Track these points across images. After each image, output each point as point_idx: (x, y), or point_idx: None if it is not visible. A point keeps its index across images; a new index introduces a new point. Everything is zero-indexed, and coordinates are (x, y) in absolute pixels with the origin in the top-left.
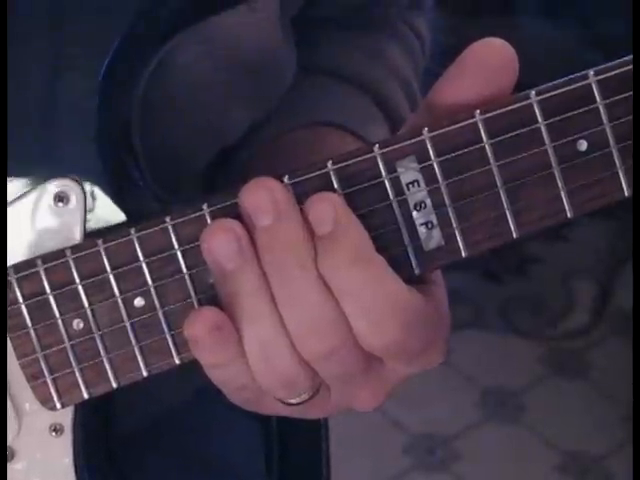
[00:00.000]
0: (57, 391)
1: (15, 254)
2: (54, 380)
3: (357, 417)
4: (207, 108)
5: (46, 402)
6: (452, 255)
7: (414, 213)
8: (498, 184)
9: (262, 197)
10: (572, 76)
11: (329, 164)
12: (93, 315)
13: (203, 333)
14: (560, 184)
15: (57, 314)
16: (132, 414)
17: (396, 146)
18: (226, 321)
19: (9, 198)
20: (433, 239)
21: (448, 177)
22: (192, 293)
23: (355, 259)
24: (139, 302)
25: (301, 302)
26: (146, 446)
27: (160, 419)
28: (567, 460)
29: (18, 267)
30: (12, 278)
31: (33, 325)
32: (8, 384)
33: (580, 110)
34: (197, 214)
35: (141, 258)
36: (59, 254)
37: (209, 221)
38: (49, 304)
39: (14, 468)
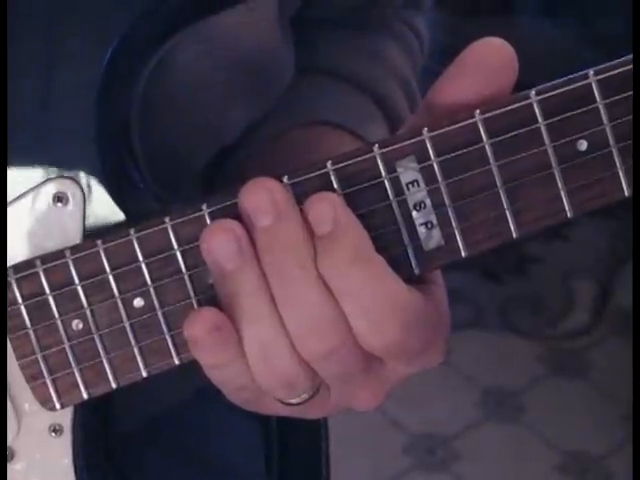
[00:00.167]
0: (56, 392)
1: (14, 254)
2: (53, 381)
3: (357, 417)
4: (206, 107)
5: (45, 403)
6: (452, 255)
7: (414, 213)
8: (498, 184)
9: (262, 197)
10: (572, 76)
11: (329, 164)
12: (92, 315)
13: (203, 333)
14: (560, 184)
15: (56, 315)
16: (131, 414)
17: (396, 146)
18: (226, 321)
19: (8, 198)
20: (433, 239)
21: (448, 177)
22: (192, 293)
23: (355, 259)
24: (138, 302)
25: (301, 302)
26: (146, 446)
27: (160, 419)
28: (567, 460)
29: (17, 267)
30: (11, 279)
31: (32, 326)
32: (8, 385)
33: (580, 110)
34: (196, 214)
35: (140, 258)
36: (58, 254)
37: (208, 221)
38: (48, 305)
39: (14, 468)
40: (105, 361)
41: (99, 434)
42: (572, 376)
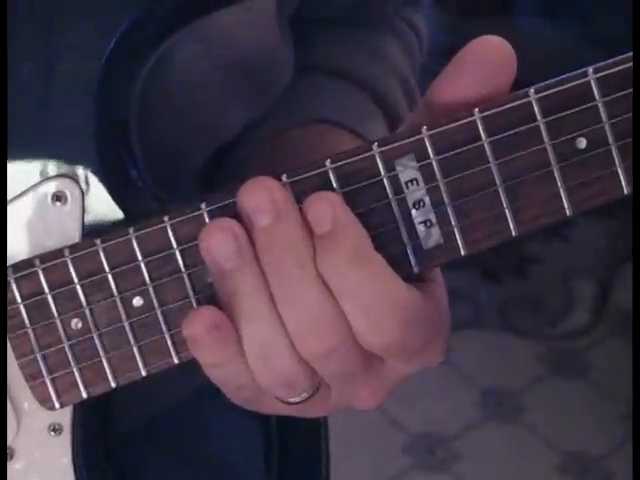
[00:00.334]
0: (56, 391)
1: (13, 254)
2: (53, 380)
3: (357, 416)
4: (204, 106)
5: (45, 402)
6: (451, 253)
7: (413, 211)
8: (497, 182)
9: (261, 197)
10: (571, 74)
11: (327, 163)
12: (92, 315)
13: (202, 332)
14: (559, 182)
15: (56, 314)
16: (131, 413)
17: (395, 144)
18: (225, 320)
19: (8, 197)
20: (432, 237)
21: (447, 175)
22: (191, 292)
23: (354, 258)
24: (138, 301)
25: (300, 301)
26: (145, 445)
27: (159, 418)
28: (567, 460)
29: (17, 267)
30: (11, 278)
31: (32, 325)
32: (7, 384)
33: (579, 108)
34: (195, 213)
35: (139, 257)
36: (57, 254)
37: (207, 220)
38: (47, 304)
39: (13, 468)
40: (104, 360)
41: (98, 433)
42: (572, 376)
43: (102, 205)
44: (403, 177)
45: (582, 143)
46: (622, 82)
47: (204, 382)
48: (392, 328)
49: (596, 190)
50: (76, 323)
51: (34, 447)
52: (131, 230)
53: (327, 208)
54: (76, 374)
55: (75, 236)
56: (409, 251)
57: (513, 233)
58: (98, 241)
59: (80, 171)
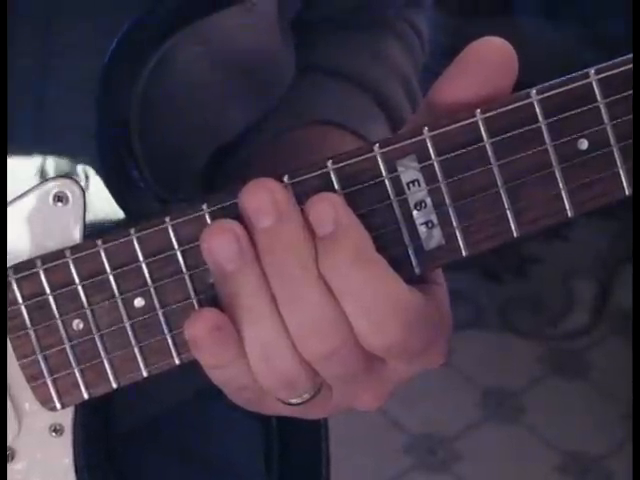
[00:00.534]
0: (57, 392)
1: (15, 254)
2: (54, 381)
3: (357, 417)
4: (205, 107)
5: (46, 403)
6: (452, 254)
7: (414, 212)
8: (499, 183)
9: (262, 198)
10: (573, 75)
11: (329, 164)
12: (93, 315)
13: (203, 334)
14: (561, 183)
15: (57, 315)
16: (132, 414)
17: (396, 145)
18: (226, 322)
19: (8, 198)
20: (433, 238)
21: (448, 176)
22: (192, 293)
23: (356, 259)
24: (139, 302)
25: (302, 302)
26: (146, 446)
27: (160, 418)
28: (567, 460)
29: (18, 268)
30: (12, 279)
31: (33, 326)
32: (8, 385)
33: (581, 109)
34: (197, 214)
35: (141, 258)
36: (59, 254)
37: (209, 221)
38: (49, 305)
39: (14, 468)
40: (106, 361)
41: (100, 434)
42: (572, 376)
43: (103, 205)
44: (405, 178)
45: (584, 144)
46: (624, 83)
47: (205, 383)
48: (394, 329)
49: (597, 191)
50: (77, 324)
51: (35, 448)
52: (132, 231)
53: (329, 209)
54: (77, 375)
55: (76, 237)
56: (410, 252)
57: (515, 234)
58: (99, 242)
59: (80, 171)
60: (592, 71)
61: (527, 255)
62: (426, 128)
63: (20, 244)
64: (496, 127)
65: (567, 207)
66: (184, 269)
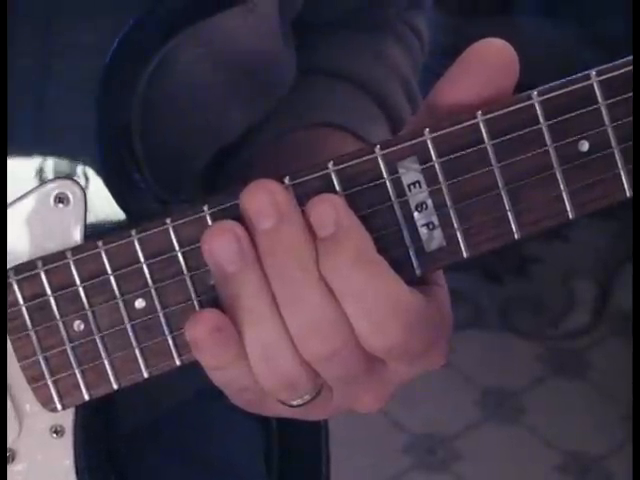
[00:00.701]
0: (58, 393)
1: (15, 255)
2: (55, 382)
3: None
4: (206, 108)
5: (47, 404)
6: (453, 256)
7: (415, 214)
8: (500, 185)
9: (263, 200)
10: (574, 76)
11: (330, 165)
12: (94, 317)
13: (204, 335)
14: (562, 185)
15: (58, 316)
16: (133, 415)
17: (397, 147)
18: (227, 323)
19: (8, 199)
20: (434, 240)
21: (449, 178)
22: (193, 294)
23: (357, 260)
24: (140, 304)
25: (303, 304)
26: (147, 447)
27: (160, 419)
28: (567, 460)
29: (18, 269)
30: (12, 280)
31: (34, 327)
32: (9, 386)
33: (582, 111)
34: (198, 215)
35: (142, 259)
36: (59, 255)
37: (210, 222)
38: (50, 306)
39: (15, 470)
40: (106, 362)
41: (100, 435)
42: (572, 376)
43: (104, 206)
44: (406, 179)
45: (584, 146)
46: (625, 85)
47: (205, 384)
48: (394, 330)
49: (598, 193)
50: (78, 325)
51: (36, 449)
52: (133, 232)
53: (330, 211)
54: (78, 376)
55: (77, 238)
56: (411, 253)
57: (516, 236)
58: (100, 243)
59: (80, 172)
60: (593, 73)
61: (527, 255)
62: (427, 130)
63: (21, 245)
64: (497, 129)
65: (568, 209)
66: (185, 270)
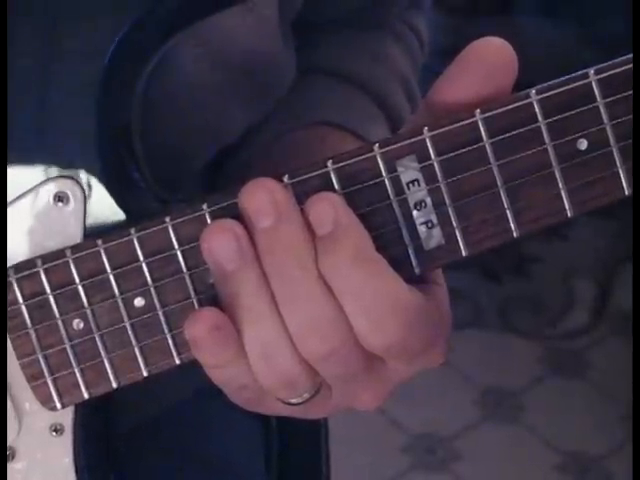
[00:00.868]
0: (57, 391)
1: (15, 254)
2: (54, 380)
3: (357, 416)
4: (205, 108)
5: (46, 402)
6: (452, 254)
7: (414, 212)
8: (498, 183)
9: (262, 199)
10: (572, 75)
11: (329, 163)
12: (93, 315)
13: (203, 333)
14: (560, 183)
15: (57, 314)
16: (132, 414)
17: (396, 145)
18: (226, 321)
19: (8, 198)
20: (433, 238)
21: (448, 176)
22: (192, 293)
23: (355, 259)
24: (139, 302)
25: (302, 302)
26: (146, 445)
27: (160, 418)
28: (567, 460)
29: (18, 267)
30: (12, 278)
31: (33, 325)
32: (8, 384)
33: (580, 109)
34: (197, 214)
35: (141, 258)
36: (59, 254)
37: (209, 221)
38: (49, 304)
39: (14, 468)
40: (106, 361)
41: (100, 434)
42: (572, 376)
43: (103, 205)
44: (404, 178)
45: (583, 144)
46: (624, 83)
47: (205, 382)
48: (393, 329)
49: (597, 191)
50: (78, 323)
51: (35, 447)
52: (133, 230)
53: (328, 209)
54: (77, 374)
55: (77, 236)
56: (410, 252)
57: (514, 234)
58: (100, 241)
59: (80, 171)
60: (592, 71)
61: (527, 255)
62: (426, 128)
63: (20, 244)
64: (496, 127)
65: (567, 207)
66: (184, 269)
